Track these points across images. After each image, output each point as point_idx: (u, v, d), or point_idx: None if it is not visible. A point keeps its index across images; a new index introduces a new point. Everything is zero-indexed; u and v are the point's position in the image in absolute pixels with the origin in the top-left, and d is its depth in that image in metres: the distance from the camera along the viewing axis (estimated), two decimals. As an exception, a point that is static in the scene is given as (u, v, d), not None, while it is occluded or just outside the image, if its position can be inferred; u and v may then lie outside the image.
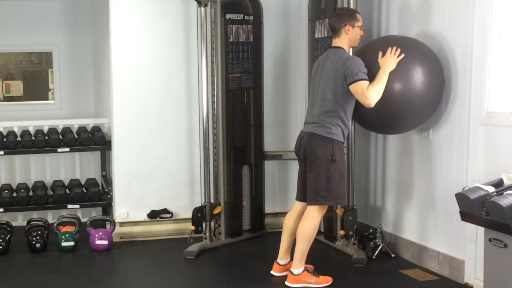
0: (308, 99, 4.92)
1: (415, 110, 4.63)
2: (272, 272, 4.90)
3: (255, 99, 5.97)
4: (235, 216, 5.88)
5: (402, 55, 4.55)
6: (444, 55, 4.69)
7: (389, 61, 4.54)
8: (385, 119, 4.70)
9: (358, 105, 4.60)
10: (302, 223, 4.68)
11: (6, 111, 7.68)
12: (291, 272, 4.68)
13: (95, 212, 6.69)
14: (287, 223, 4.88)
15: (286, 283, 4.68)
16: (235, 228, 5.89)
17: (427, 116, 4.74)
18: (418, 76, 4.52)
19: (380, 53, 4.59)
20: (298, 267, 4.67)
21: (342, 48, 4.67)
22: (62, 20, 7.76)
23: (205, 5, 5.58)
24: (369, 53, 4.68)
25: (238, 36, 5.80)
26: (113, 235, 5.78)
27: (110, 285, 4.92)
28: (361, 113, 4.69)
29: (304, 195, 4.75)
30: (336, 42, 4.70)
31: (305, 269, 4.68)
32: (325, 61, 4.71)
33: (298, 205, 4.84)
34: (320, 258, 5.08)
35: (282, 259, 4.90)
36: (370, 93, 4.44)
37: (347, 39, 4.67)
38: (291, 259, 4.81)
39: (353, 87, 4.49)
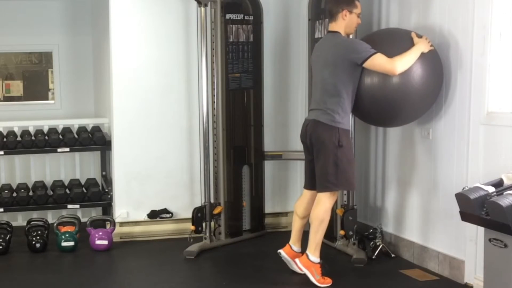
0: (310, 85, 4.88)
1: (413, 102, 4.62)
2: (280, 250, 4.90)
3: (255, 99, 5.97)
4: (235, 216, 5.88)
5: (433, 48, 4.59)
6: (444, 52, 4.69)
7: (424, 42, 4.56)
8: (383, 110, 4.69)
9: (356, 98, 4.62)
10: (314, 211, 4.68)
11: (6, 111, 7.67)
12: (307, 255, 4.67)
13: (95, 212, 6.68)
14: (298, 209, 4.91)
15: (297, 260, 4.70)
16: (235, 228, 5.89)
17: (425, 108, 4.74)
18: (416, 68, 4.52)
19: (414, 33, 4.61)
20: (315, 255, 4.66)
21: (339, 33, 4.66)
22: (62, 20, 7.76)
23: (205, 5, 5.58)
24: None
25: (238, 36, 5.79)
26: (113, 235, 5.78)
27: (110, 285, 4.92)
28: (358, 104, 4.69)
29: (312, 183, 4.75)
30: (333, 26, 4.69)
31: (320, 263, 4.67)
32: (324, 46, 4.72)
33: (307, 193, 4.85)
34: (320, 258, 5.07)
35: (295, 244, 4.90)
36: (396, 61, 4.43)
37: (344, 24, 4.66)
38: (302, 252, 4.81)
39: (369, 62, 4.47)
